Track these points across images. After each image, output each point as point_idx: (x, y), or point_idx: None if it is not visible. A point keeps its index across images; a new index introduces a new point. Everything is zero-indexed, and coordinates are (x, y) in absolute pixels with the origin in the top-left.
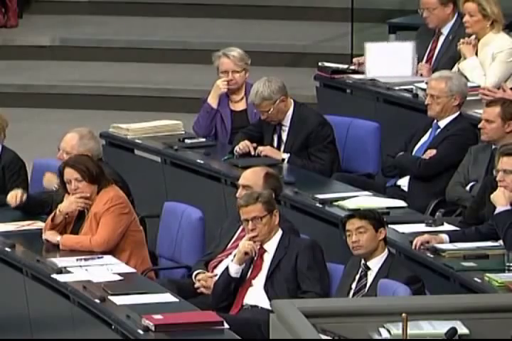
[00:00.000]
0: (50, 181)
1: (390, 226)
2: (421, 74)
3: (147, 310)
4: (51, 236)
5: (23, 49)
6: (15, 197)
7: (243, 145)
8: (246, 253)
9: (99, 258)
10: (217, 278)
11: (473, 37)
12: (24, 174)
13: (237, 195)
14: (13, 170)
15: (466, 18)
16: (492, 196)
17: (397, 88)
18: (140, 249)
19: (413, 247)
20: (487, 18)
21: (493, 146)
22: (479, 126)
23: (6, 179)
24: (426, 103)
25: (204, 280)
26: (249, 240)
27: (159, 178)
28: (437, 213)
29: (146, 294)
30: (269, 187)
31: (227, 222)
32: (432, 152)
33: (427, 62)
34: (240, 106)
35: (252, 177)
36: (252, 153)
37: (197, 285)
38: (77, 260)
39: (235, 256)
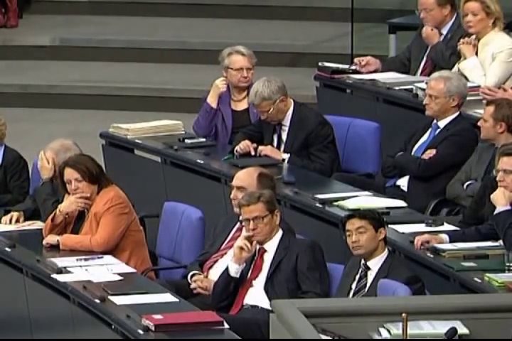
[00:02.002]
0: (47, 169)
1: (390, 226)
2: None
3: (147, 310)
4: (51, 238)
5: (23, 49)
6: (9, 218)
7: (244, 145)
8: (241, 249)
9: (99, 258)
10: (217, 277)
11: (473, 37)
12: (26, 173)
13: (232, 196)
14: (15, 169)
15: (469, 17)
16: (492, 196)
17: (397, 88)
18: (140, 248)
19: (415, 246)
20: (490, 16)
21: (495, 145)
22: (478, 123)
23: (7, 178)
24: (424, 103)
25: (200, 280)
26: (246, 239)
27: (159, 178)
28: (441, 212)
29: (146, 294)
30: (263, 188)
31: (222, 221)
32: (432, 152)
33: (426, 62)
34: (242, 106)
35: (245, 178)
36: (253, 153)
37: (193, 285)
38: (77, 260)
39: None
